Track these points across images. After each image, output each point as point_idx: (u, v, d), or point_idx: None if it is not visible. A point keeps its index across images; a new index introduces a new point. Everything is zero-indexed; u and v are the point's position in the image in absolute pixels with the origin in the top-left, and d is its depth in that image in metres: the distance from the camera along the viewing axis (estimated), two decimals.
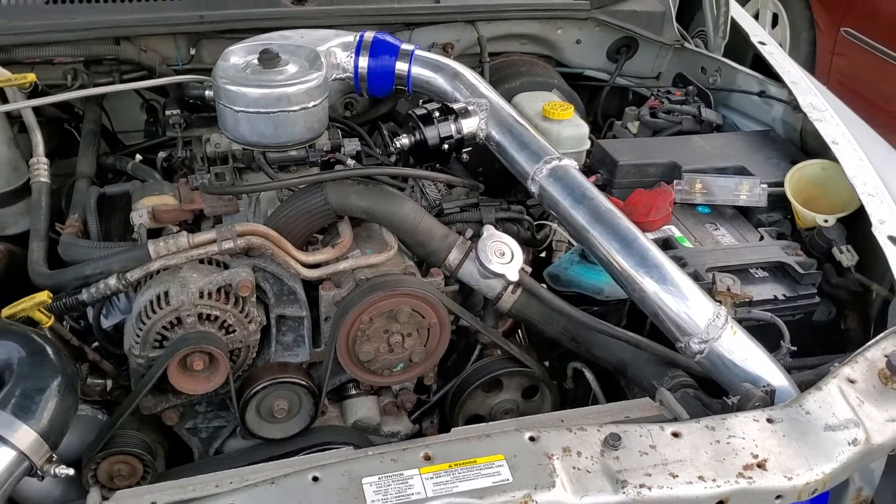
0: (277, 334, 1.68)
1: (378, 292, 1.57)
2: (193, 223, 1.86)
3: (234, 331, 1.58)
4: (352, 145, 2.03)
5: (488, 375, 1.74)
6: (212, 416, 1.73)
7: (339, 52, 2.00)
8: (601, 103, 2.61)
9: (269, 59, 1.86)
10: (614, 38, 2.54)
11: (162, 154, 2.12)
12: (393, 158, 1.94)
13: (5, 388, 1.33)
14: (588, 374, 1.79)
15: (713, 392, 1.57)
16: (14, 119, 2.10)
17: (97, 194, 1.89)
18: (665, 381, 1.61)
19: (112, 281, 1.54)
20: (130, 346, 1.56)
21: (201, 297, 1.54)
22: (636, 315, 1.79)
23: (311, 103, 1.86)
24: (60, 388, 1.34)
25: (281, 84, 1.81)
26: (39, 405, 1.31)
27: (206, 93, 2.00)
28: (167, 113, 2.14)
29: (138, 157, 2.06)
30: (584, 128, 2.13)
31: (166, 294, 1.53)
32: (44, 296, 1.48)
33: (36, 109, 2.03)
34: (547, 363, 1.90)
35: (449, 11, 2.32)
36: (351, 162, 1.98)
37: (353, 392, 1.78)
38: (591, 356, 1.74)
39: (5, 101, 2.04)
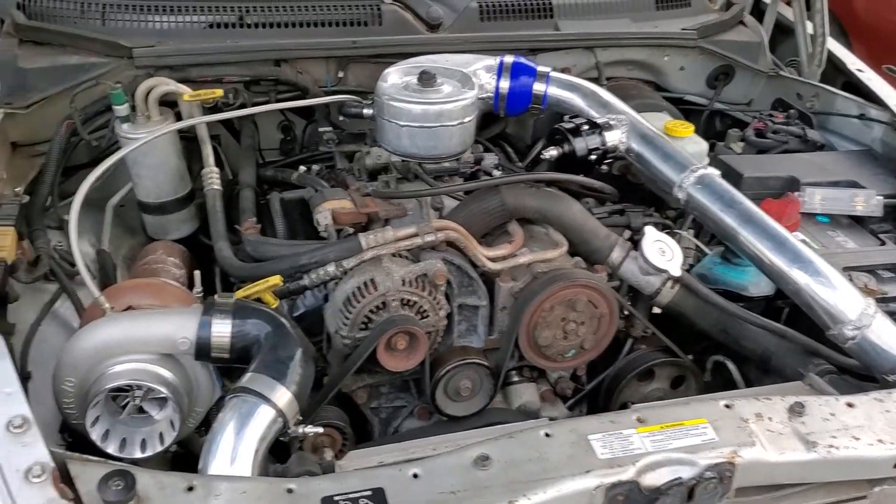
0: (457, 321, 1.85)
1: (560, 282, 1.75)
2: (366, 225, 2.04)
3: (427, 316, 1.76)
4: (491, 159, 2.23)
5: (645, 365, 1.91)
6: (392, 396, 1.89)
7: (482, 73, 2.19)
8: (700, 126, 2.80)
9: (427, 79, 2.06)
10: (714, 66, 2.74)
11: (315, 167, 2.32)
12: (543, 166, 2.13)
13: (259, 357, 1.50)
14: (731, 366, 1.95)
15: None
16: (181, 132, 2.29)
17: (279, 199, 2.08)
18: (810, 367, 1.78)
19: (331, 268, 1.71)
20: (337, 328, 1.73)
21: (403, 284, 1.71)
22: (773, 311, 1.97)
23: (466, 119, 2.06)
24: (303, 356, 1.52)
25: (440, 101, 2.01)
26: (290, 370, 1.48)
27: (365, 111, 2.19)
28: (320, 130, 2.34)
29: (302, 168, 2.25)
30: (704, 145, 2.32)
31: (373, 281, 1.71)
32: (276, 279, 1.65)
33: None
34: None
35: (571, 39, 2.53)
36: (496, 172, 2.17)
37: (516, 379, 1.94)
38: (738, 347, 1.90)
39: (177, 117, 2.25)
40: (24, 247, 1.87)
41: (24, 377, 1.68)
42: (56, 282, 1.90)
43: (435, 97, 2.02)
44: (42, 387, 1.70)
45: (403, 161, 2.12)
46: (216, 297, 1.58)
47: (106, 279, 2.09)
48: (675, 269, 1.82)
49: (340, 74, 2.45)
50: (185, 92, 2.13)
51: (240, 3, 2.38)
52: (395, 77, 2.15)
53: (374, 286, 1.70)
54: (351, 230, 1.99)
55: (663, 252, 1.84)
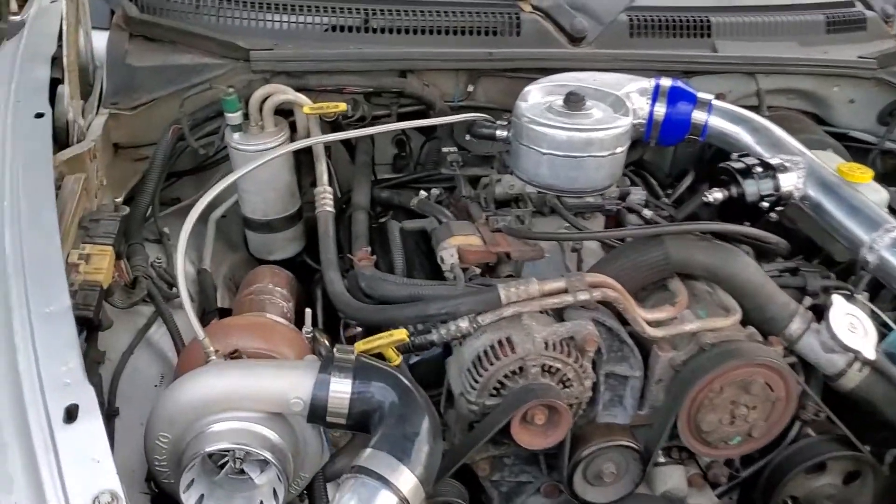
0: (602, 391, 1.59)
1: (733, 360, 1.47)
2: (495, 266, 1.79)
3: (570, 386, 1.50)
4: (638, 194, 1.96)
5: (819, 458, 1.61)
6: (517, 470, 1.65)
7: (636, 97, 1.93)
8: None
9: (575, 101, 1.81)
10: (890, 100, 2.40)
11: (436, 190, 2.08)
12: (705, 213, 1.85)
13: (381, 430, 1.27)
14: None
15: None
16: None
17: (398, 229, 1.85)
18: None
19: (464, 323, 1.47)
20: (463, 390, 1.50)
21: (546, 347, 1.46)
22: None
23: (618, 149, 1.81)
24: (431, 432, 1.28)
25: (590, 128, 1.76)
26: (416, 450, 1.25)
27: (498, 132, 1.95)
28: (444, 150, 2.11)
29: (423, 193, 2.02)
30: (885, 193, 1.99)
31: (510, 341, 1.46)
32: (402, 335, 1.43)
33: None
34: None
35: (731, 62, 2.23)
36: (648, 213, 1.90)
37: (663, 460, 1.67)
38: None
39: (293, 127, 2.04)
40: (122, 267, 1.69)
41: (111, 414, 1.51)
42: (152, 304, 1.72)
43: (584, 123, 1.77)
44: (129, 424, 1.52)
45: (539, 193, 1.87)
46: (335, 350, 1.36)
47: (206, 302, 1.91)
48: (869, 351, 1.52)
49: (470, 88, 2.21)
50: (305, 103, 1.92)
51: (365, 4, 2.16)
52: (536, 96, 1.91)
53: (512, 347, 1.46)
54: (477, 270, 1.75)
55: (854, 328, 1.54)
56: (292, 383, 1.32)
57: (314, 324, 1.82)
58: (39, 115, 1.72)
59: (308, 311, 1.64)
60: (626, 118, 1.82)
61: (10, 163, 1.59)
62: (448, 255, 1.72)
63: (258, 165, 1.69)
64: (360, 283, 1.75)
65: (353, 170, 2.13)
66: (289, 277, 1.91)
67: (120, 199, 1.81)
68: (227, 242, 2.20)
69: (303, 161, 2.14)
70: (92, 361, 1.51)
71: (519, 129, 1.83)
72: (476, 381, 1.47)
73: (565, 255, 1.71)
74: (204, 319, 1.88)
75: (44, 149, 1.64)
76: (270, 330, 1.54)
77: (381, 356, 1.44)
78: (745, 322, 1.59)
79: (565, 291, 1.50)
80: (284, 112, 2.02)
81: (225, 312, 1.91)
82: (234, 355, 1.44)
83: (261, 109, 1.95)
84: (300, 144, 1.83)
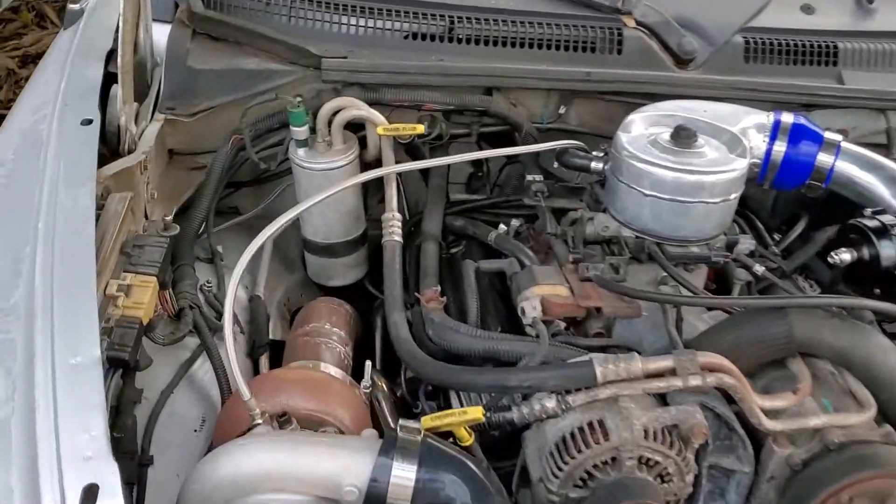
0: (703, 484, 1.36)
1: (869, 469, 1.23)
2: (583, 320, 1.58)
3: (670, 481, 1.28)
4: (746, 243, 1.71)
5: None
6: None
7: (753, 133, 1.69)
8: None
9: (685, 136, 1.59)
10: None
11: (515, 223, 1.87)
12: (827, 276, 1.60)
13: None
14: None
15: None
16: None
17: (473, 271, 1.64)
18: None
19: (550, 403, 1.26)
20: (543, 475, 1.28)
21: (646, 437, 1.24)
22: None
23: (732, 195, 1.59)
24: None
25: (702, 170, 1.53)
26: None
27: (593, 164, 1.73)
28: (529, 178, 1.89)
29: (502, 226, 1.80)
30: None
31: (602, 426, 1.25)
32: (478, 413, 1.22)
33: None
34: None
35: (860, 96, 1.97)
36: (759, 268, 1.66)
37: None
38: None
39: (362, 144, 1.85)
40: (166, 298, 1.52)
41: (144, 464, 1.35)
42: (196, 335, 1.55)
43: (694, 163, 1.55)
44: (163, 476, 1.36)
45: (637, 237, 1.65)
46: (399, 429, 1.16)
47: (257, 332, 1.73)
48: None
49: (562, 110, 1.99)
50: (379, 122, 1.72)
51: (450, 11, 1.94)
52: (639, 127, 1.68)
53: (605, 434, 1.24)
54: (562, 325, 1.54)
55: None
56: (347, 466, 1.13)
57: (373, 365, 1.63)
58: (87, 122, 1.55)
59: (368, 364, 1.45)
60: (743, 160, 1.58)
61: (49, 176, 1.43)
62: (530, 307, 1.51)
63: (329, 195, 1.49)
64: (428, 329, 1.56)
65: (426, 193, 1.93)
66: (348, 315, 1.72)
67: (170, 217, 1.63)
68: (283, 261, 2.02)
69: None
70: (127, 401, 1.35)
71: (618, 163, 1.61)
72: (560, 469, 1.26)
73: (667, 317, 1.49)
74: (254, 353, 1.71)
75: (88, 162, 1.47)
76: (325, 388, 1.35)
77: (450, 433, 1.24)
78: (879, 418, 1.35)
79: (673, 373, 1.27)
80: (354, 125, 1.82)
81: (276, 345, 1.73)
82: (283, 419, 1.25)
83: (329, 123, 1.76)
84: (372, 175, 1.64)
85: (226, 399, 1.53)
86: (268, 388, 1.31)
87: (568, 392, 1.27)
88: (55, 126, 1.55)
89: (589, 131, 1.96)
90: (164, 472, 1.38)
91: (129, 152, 1.68)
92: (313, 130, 1.78)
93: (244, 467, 1.14)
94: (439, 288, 1.66)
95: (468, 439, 1.24)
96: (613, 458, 1.25)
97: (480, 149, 2.06)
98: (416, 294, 1.67)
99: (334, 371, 1.46)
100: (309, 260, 1.96)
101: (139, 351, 1.37)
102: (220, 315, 1.68)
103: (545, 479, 1.28)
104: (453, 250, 1.95)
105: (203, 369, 1.59)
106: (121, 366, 1.33)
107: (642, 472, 1.26)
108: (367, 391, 1.43)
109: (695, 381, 1.24)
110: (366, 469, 1.12)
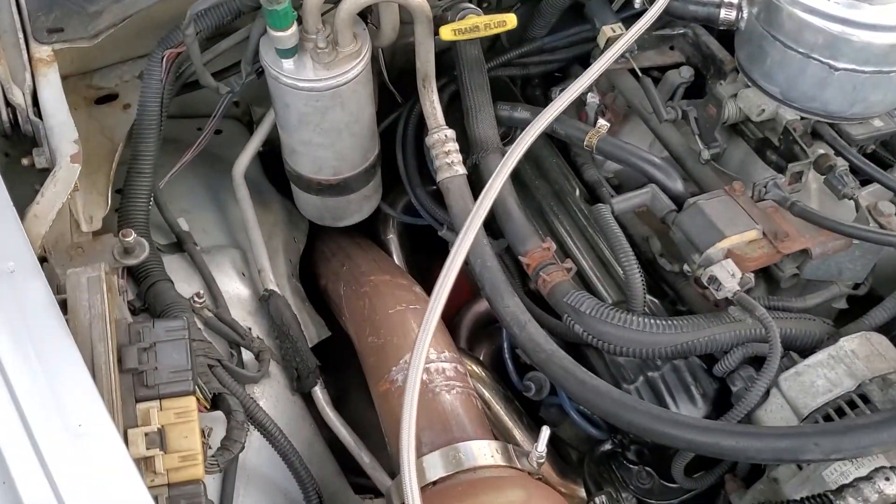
0: None
1: None
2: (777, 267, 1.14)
3: None
4: None
5: None
6: None
7: None
8: None
9: None
10: None
11: (594, 99, 1.33)
12: None
13: None
14: None
15: None
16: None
17: (610, 213, 1.12)
18: None
19: (892, 489, 0.85)
20: None
21: None
22: None
23: None
24: None
25: None
26: None
27: (723, 12, 1.19)
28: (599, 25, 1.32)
29: (601, 122, 1.25)
30: None
31: None
32: None
33: None
34: None
35: None
36: None
37: None
38: None
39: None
40: (199, 398, 0.93)
41: None
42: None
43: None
44: None
45: (803, 119, 1.18)
46: None
47: (296, 355, 1.19)
48: None
49: None
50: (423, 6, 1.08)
51: None
52: None
53: None
54: (751, 278, 1.10)
55: None
56: None
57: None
58: None
59: (545, 431, 0.97)
60: None
61: None
62: (726, 274, 1.06)
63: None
64: (571, 321, 1.08)
65: (459, 74, 1.31)
66: (442, 329, 1.19)
67: (130, 238, 0.99)
68: (256, 199, 1.39)
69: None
70: None
71: (779, 16, 1.10)
72: None
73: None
74: (302, 386, 1.18)
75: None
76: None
77: None
78: None
79: None
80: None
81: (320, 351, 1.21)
82: None
83: (335, 20, 1.10)
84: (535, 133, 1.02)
85: (311, 499, 1.04)
86: None
87: None
88: None
89: None
90: None
91: (34, 131, 0.97)
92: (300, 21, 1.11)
93: None
94: (550, 241, 1.16)
95: None
96: None
97: None
98: (519, 257, 1.16)
99: (490, 450, 0.96)
100: (306, 200, 1.36)
101: None
102: (238, 345, 1.12)
103: None
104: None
105: (249, 444, 1.06)
106: None
107: None
108: (541, 463, 0.97)
109: None
110: None
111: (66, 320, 0.79)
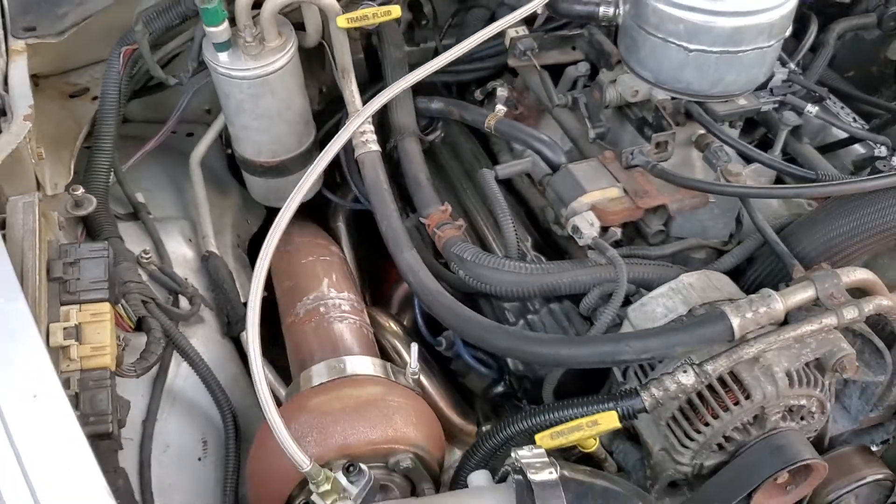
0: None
1: None
2: (640, 221, 1.30)
3: (812, 418, 1.08)
4: (780, 73, 1.44)
5: None
6: None
7: None
8: None
9: None
10: None
11: (502, 91, 1.52)
12: None
13: None
14: None
15: None
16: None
17: (494, 180, 1.30)
18: None
19: (688, 380, 1.00)
20: (668, 448, 1.07)
21: (790, 384, 1.02)
22: None
23: (788, 30, 1.31)
24: None
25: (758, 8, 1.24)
26: None
27: (602, 9, 1.37)
28: (512, 32, 1.51)
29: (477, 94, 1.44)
30: None
31: (738, 380, 1.01)
32: (613, 421, 0.95)
33: None
34: None
35: None
36: (812, 108, 1.41)
37: None
38: None
39: None
40: (121, 313, 1.12)
41: None
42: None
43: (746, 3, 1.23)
44: None
45: (674, 99, 1.35)
46: (519, 459, 0.89)
47: (228, 305, 1.37)
48: None
49: None
50: (334, 7, 1.28)
51: None
52: None
53: (745, 392, 1.01)
54: (618, 232, 1.26)
55: None
56: None
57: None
58: None
59: (414, 347, 1.14)
60: None
61: None
62: (585, 223, 1.22)
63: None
64: (456, 269, 1.25)
65: (384, 68, 1.52)
66: (340, 257, 1.38)
67: (80, 191, 1.20)
68: (215, 190, 1.60)
69: (313, 62, 1.55)
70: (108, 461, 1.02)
71: (644, 10, 1.28)
72: (691, 439, 1.03)
73: (749, 205, 1.23)
74: (231, 330, 1.36)
75: None
76: (381, 407, 1.03)
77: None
78: None
79: (817, 305, 1.03)
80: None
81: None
82: (354, 472, 0.94)
83: (258, 16, 1.31)
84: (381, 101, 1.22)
85: (227, 418, 1.21)
86: (310, 429, 1.00)
87: (703, 360, 1.00)
88: None
89: None
90: None
91: (4, 104, 1.19)
92: (233, 23, 1.32)
93: None
94: (447, 204, 1.34)
95: (593, 444, 0.98)
96: (755, 417, 1.03)
97: None
98: (420, 219, 1.34)
99: (370, 364, 1.13)
100: (252, 182, 1.56)
101: (119, 407, 1.01)
102: (175, 293, 1.31)
103: (671, 450, 1.06)
104: (430, 137, 1.60)
105: (178, 374, 1.25)
106: (105, 438, 0.99)
107: (788, 422, 1.05)
108: (415, 377, 1.14)
109: (851, 315, 1.01)
110: None
111: (3, 236, 1.00)
